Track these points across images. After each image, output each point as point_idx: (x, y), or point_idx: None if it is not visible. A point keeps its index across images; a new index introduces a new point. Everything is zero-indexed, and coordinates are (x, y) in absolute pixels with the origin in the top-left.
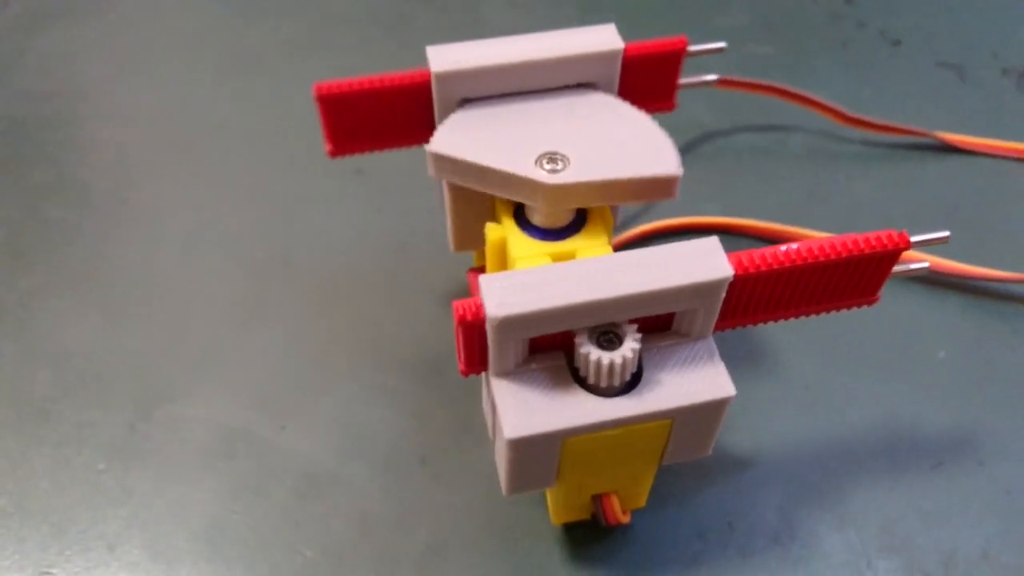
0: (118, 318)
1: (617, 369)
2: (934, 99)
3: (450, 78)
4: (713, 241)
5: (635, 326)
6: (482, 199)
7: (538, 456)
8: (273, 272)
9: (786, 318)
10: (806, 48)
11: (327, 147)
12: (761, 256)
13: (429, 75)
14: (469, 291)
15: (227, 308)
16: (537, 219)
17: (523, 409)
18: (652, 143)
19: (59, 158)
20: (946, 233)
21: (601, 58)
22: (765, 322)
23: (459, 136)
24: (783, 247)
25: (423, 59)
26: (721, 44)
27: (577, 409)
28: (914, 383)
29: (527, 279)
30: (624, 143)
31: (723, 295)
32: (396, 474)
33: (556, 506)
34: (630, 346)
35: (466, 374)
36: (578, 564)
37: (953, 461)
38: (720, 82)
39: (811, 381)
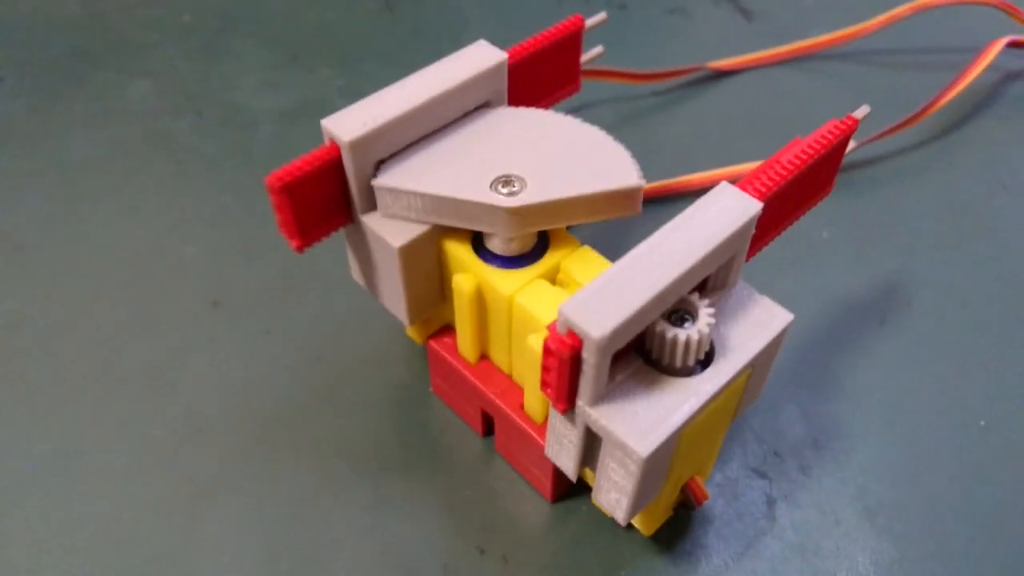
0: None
1: (705, 341)
2: (678, 39)
3: (365, 143)
4: (724, 186)
5: (696, 295)
6: (434, 261)
7: (659, 464)
8: (190, 443)
9: (775, 236)
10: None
11: (293, 243)
12: (767, 177)
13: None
14: (428, 362)
15: (167, 504)
16: (515, 247)
17: (638, 423)
18: (607, 153)
19: None
20: (867, 108)
21: (493, 73)
22: (761, 249)
23: (407, 172)
24: (773, 165)
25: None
26: (603, 15)
27: (683, 397)
28: (820, 267)
29: (599, 291)
30: (577, 156)
31: (753, 231)
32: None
33: (653, 512)
34: (706, 313)
35: (565, 411)
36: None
37: (892, 312)
38: None
39: None
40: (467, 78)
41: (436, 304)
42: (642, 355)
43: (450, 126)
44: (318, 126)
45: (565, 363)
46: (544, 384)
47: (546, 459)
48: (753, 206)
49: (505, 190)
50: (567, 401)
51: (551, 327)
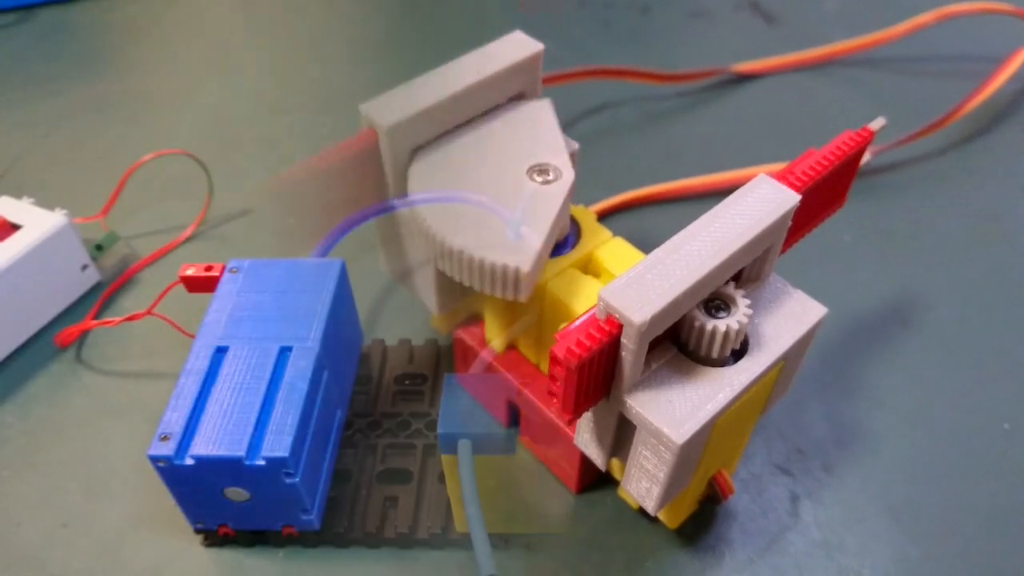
0: None
1: (742, 331)
2: (699, 43)
3: (403, 129)
4: (762, 177)
5: (732, 285)
6: None
7: (692, 453)
8: None
9: (792, 243)
10: (572, 35)
11: None
12: (804, 172)
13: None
14: (454, 352)
15: None
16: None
17: (673, 412)
18: None
19: None
20: (883, 120)
21: (529, 63)
22: (788, 248)
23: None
24: (802, 165)
25: None
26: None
27: (718, 387)
28: (843, 270)
29: (639, 277)
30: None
31: (789, 223)
32: None
33: (679, 505)
34: (744, 304)
35: (570, 422)
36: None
37: (914, 315)
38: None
39: None
40: (505, 67)
41: (465, 293)
42: (676, 344)
43: (484, 116)
44: (339, 120)
45: (572, 373)
46: (550, 393)
47: (573, 449)
48: (791, 197)
49: (540, 178)
50: (573, 412)
51: (560, 333)
